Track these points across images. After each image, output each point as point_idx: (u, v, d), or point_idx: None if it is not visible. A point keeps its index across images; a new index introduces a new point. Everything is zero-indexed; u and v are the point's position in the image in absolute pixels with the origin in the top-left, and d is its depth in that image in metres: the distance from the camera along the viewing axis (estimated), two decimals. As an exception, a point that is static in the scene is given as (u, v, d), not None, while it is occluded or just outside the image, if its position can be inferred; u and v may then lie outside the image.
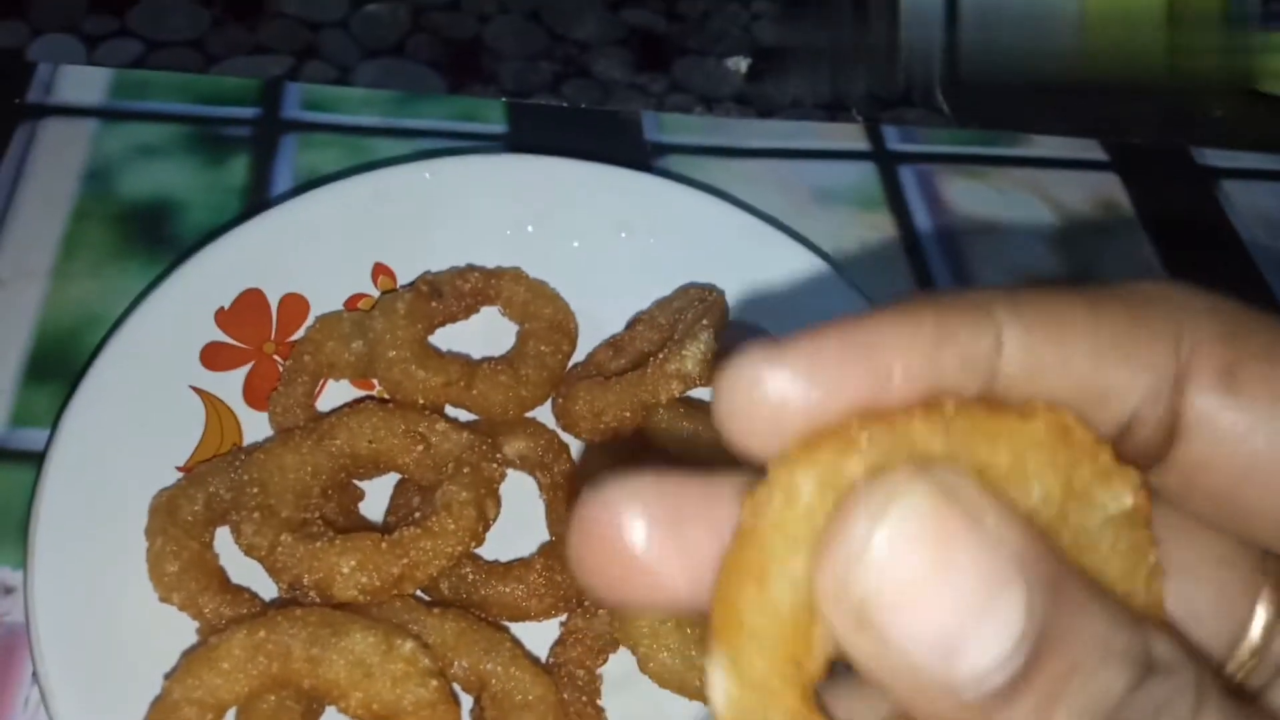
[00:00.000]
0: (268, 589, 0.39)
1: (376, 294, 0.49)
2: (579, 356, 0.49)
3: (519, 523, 0.43)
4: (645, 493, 0.18)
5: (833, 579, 0.15)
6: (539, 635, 0.41)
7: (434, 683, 0.33)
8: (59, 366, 0.47)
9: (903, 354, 0.17)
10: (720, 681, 0.16)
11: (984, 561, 0.15)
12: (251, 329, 0.46)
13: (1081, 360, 0.18)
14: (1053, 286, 0.19)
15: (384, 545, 0.38)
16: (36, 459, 0.42)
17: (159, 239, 0.53)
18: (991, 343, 0.17)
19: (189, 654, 0.35)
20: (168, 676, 0.35)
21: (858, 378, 0.17)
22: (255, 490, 0.39)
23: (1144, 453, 0.19)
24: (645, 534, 0.17)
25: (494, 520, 0.41)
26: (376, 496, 0.44)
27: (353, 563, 0.37)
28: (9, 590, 0.42)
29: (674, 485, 0.18)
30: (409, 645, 0.34)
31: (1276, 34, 0.69)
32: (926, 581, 0.15)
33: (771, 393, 0.17)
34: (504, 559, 0.43)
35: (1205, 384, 0.18)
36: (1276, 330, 0.19)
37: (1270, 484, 0.18)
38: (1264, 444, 0.18)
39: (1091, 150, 0.66)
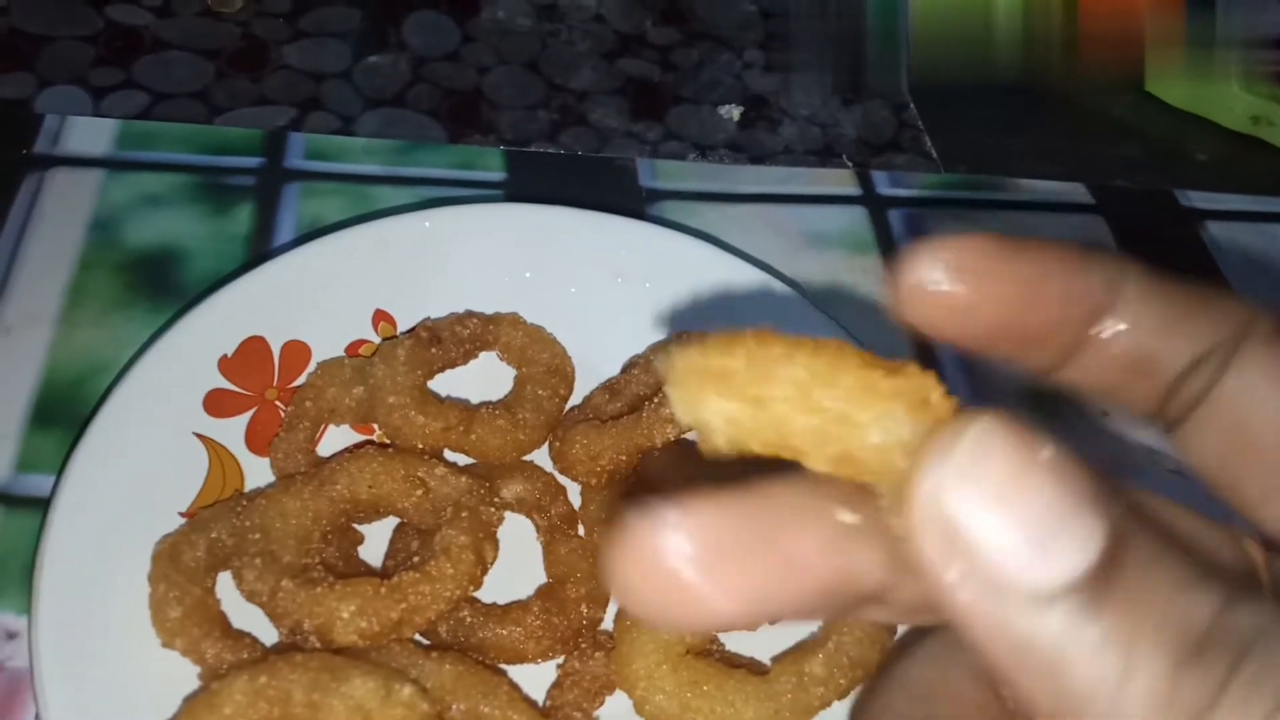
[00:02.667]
0: (269, 634, 0.40)
1: (377, 340, 0.50)
2: (576, 400, 0.50)
3: (516, 565, 0.44)
4: (691, 515, 0.18)
5: (922, 502, 0.16)
6: (536, 678, 0.41)
7: (432, 727, 0.34)
8: (64, 413, 0.48)
9: (1044, 277, 0.21)
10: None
11: (1061, 488, 0.16)
12: (254, 376, 0.47)
13: (1177, 302, 0.21)
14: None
15: (383, 590, 0.38)
16: (41, 505, 0.43)
17: (164, 287, 0.54)
18: (1116, 274, 0.21)
19: (190, 699, 0.35)
20: (169, 723, 0.35)
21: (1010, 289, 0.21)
22: (257, 536, 0.39)
23: (1186, 405, 0.21)
24: (692, 556, 0.17)
25: (492, 564, 0.41)
26: (376, 540, 0.45)
27: (352, 608, 0.37)
28: (12, 636, 0.43)
29: (720, 508, 0.18)
30: (408, 690, 0.34)
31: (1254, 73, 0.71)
32: (1009, 491, 0.15)
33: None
34: (501, 601, 0.43)
35: (1251, 368, 0.21)
36: None
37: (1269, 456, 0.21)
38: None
39: (1077, 193, 0.68)
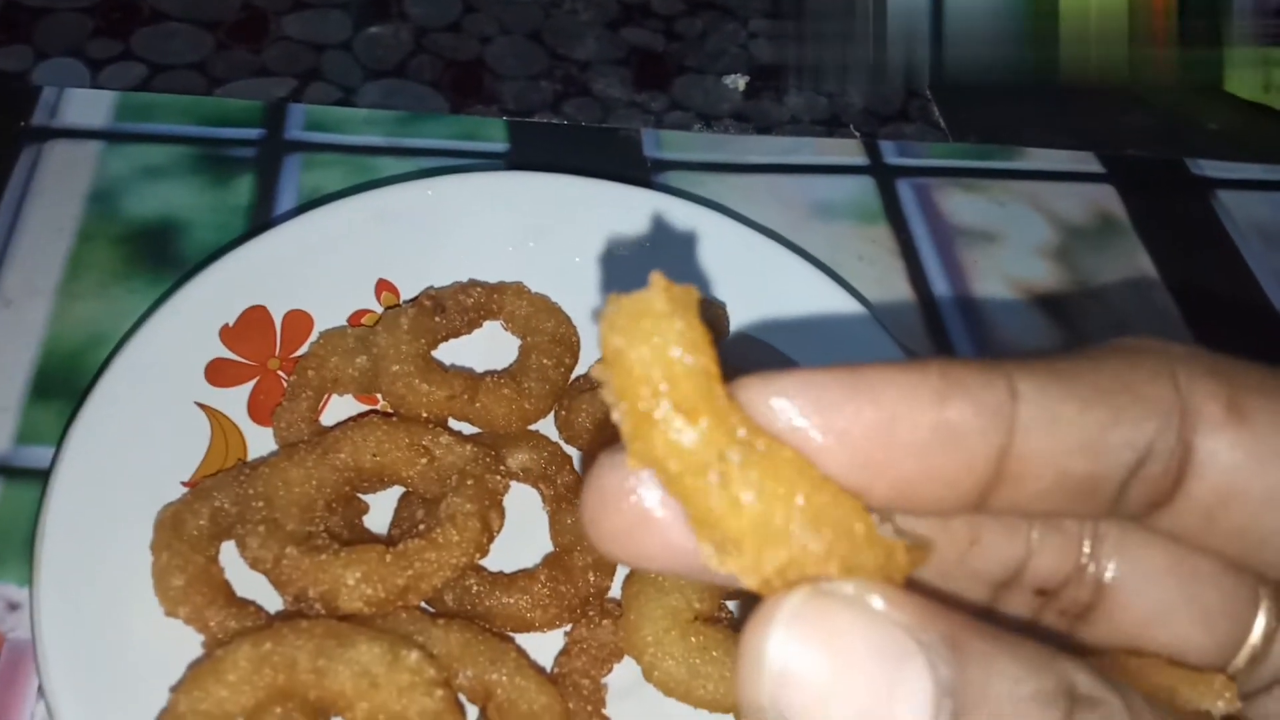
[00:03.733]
0: (273, 603, 0.39)
1: (380, 310, 0.49)
2: (581, 369, 0.49)
3: (522, 535, 0.44)
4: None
5: (751, 702, 0.15)
6: (543, 646, 0.41)
7: (440, 692, 0.33)
8: (64, 385, 0.48)
9: (908, 402, 0.17)
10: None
11: (878, 642, 0.15)
12: (256, 345, 0.46)
13: (1092, 406, 0.18)
14: (1047, 353, 0.19)
15: (389, 557, 0.38)
16: (42, 476, 0.42)
17: (164, 259, 0.53)
18: (1004, 394, 0.18)
19: (194, 667, 0.35)
20: (174, 689, 0.35)
21: (864, 420, 0.17)
22: (260, 504, 0.39)
23: (1156, 493, 0.19)
24: (659, 496, 0.18)
25: (498, 532, 0.41)
26: (380, 510, 0.44)
27: (358, 575, 0.37)
28: (14, 607, 0.43)
29: None
30: (414, 655, 0.34)
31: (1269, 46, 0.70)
32: (833, 678, 0.15)
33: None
34: (508, 571, 0.43)
35: (1211, 420, 0.19)
36: (1261, 367, 0.20)
37: None
38: (1277, 474, 0.19)
39: (1088, 162, 0.67)
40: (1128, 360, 0.19)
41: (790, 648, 0.15)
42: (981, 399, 0.18)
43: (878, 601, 0.16)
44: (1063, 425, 0.18)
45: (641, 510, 0.18)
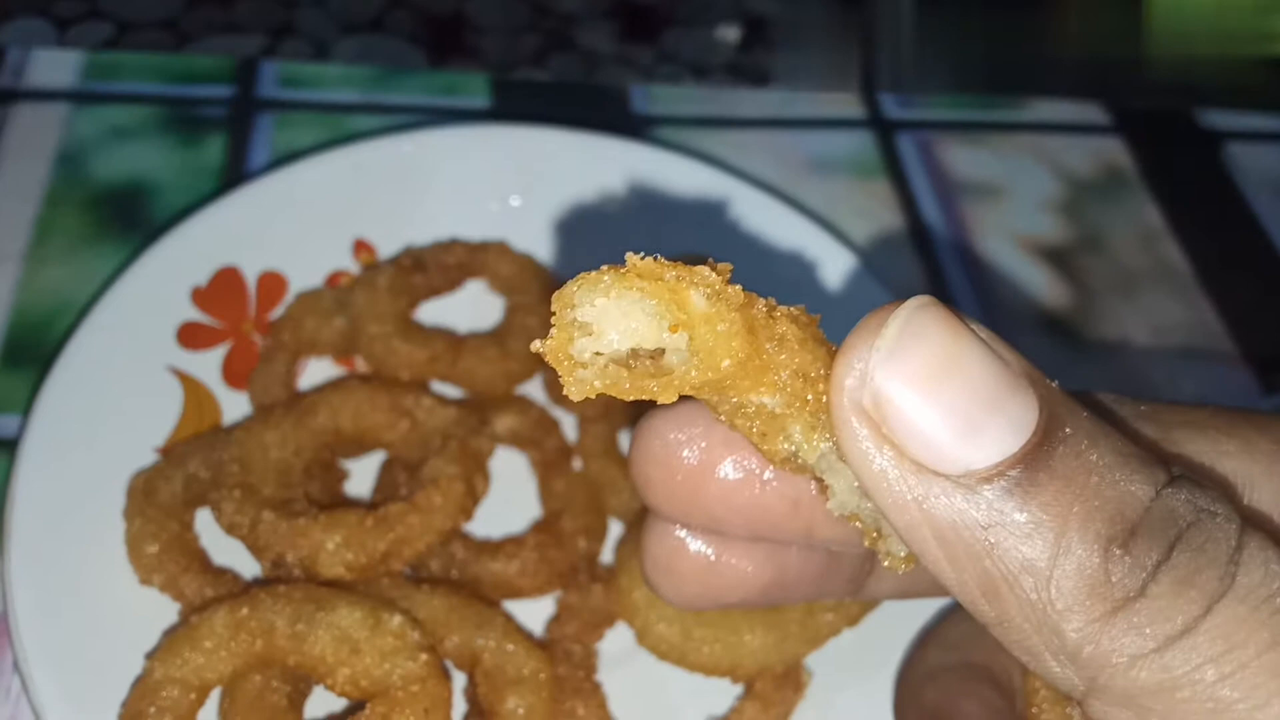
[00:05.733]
0: (250, 571, 0.38)
1: (357, 271, 0.47)
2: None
3: (509, 501, 0.42)
4: (700, 414, 0.19)
5: (849, 385, 0.16)
6: (533, 613, 0.39)
7: (424, 656, 0.32)
8: (33, 352, 0.46)
9: None
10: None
11: (994, 364, 0.15)
12: (229, 308, 0.45)
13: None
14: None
15: (369, 521, 0.36)
16: (10, 446, 0.41)
17: (134, 222, 0.51)
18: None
19: (170, 633, 0.34)
20: (149, 657, 0.33)
21: None
22: (235, 468, 0.37)
23: None
24: (700, 450, 0.19)
25: (483, 495, 0.39)
26: (362, 477, 0.43)
27: (338, 539, 0.35)
28: (-16, 580, 0.41)
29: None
30: (397, 619, 0.33)
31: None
32: (939, 371, 0.15)
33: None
34: (495, 538, 0.41)
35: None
36: None
37: None
38: None
39: (1094, 114, 0.65)
40: (1259, 421, 0.19)
41: (910, 338, 0.15)
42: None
43: (986, 332, 0.16)
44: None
45: (686, 464, 0.19)
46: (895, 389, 0.15)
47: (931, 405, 0.15)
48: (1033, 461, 0.15)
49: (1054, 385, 0.16)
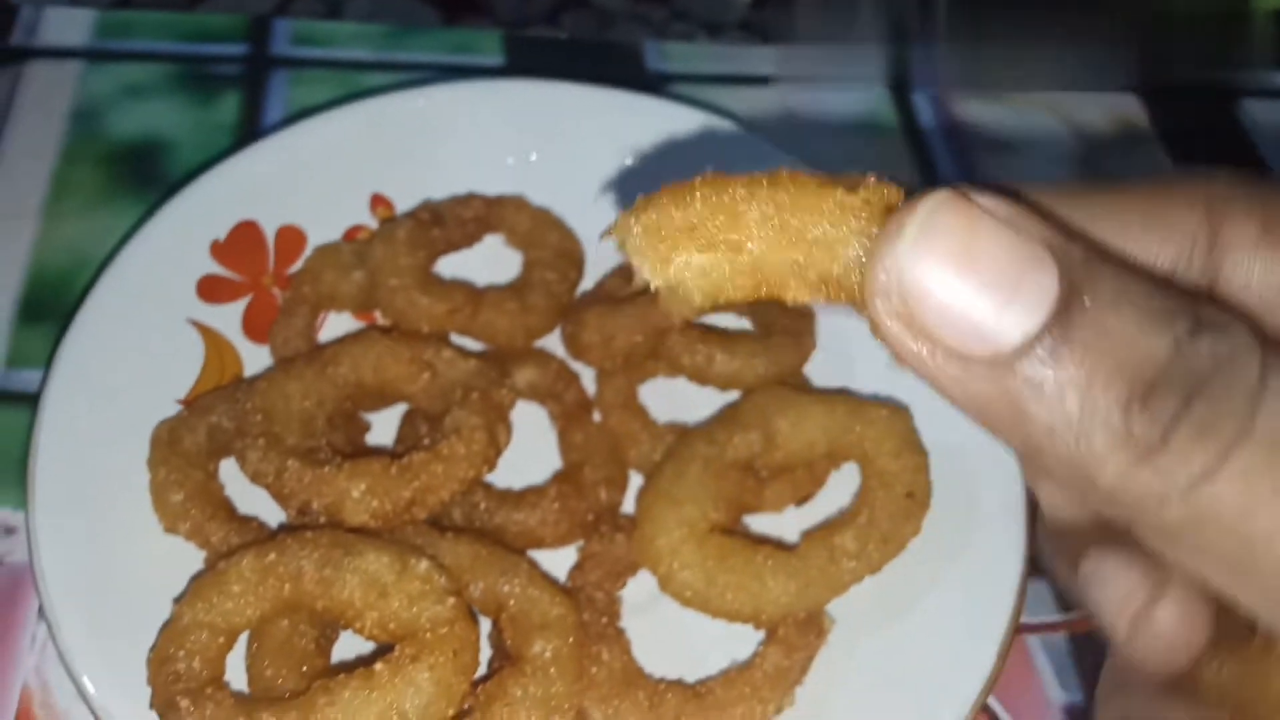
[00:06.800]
0: (275, 522, 0.38)
1: (375, 226, 0.47)
2: (587, 286, 0.47)
3: (528, 454, 0.42)
4: None
5: (883, 274, 0.17)
6: (555, 564, 0.40)
7: (451, 600, 0.32)
8: (52, 307, 0.46)
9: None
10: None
11: (1012, 241, 0.16)
12: (248, 261, 0.45)
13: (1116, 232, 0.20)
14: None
15: (394, 470, 0.36)
16: (31, 401, 0.41)
17: (149, 179, 0.51)
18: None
19: (197, 579, 0.34)
20: (177, 601, 0.34)
21: None
22: (259, 417, 0.37)
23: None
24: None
25: (505, 445, 0.39)
26: (382, 431, 0.43)
27: (363, 486, 0.35)
28: (9, 530, 0.41)
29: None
30: (424, 564, 0.33)
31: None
32: (964, 251, 0.16)
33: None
34: (516, 489, 0.41)
35: (1242, 243, 0.20)
36: None
37: None
38: None
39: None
40: (1160, 189, 0.20)
41: (926, 234, 0.16)
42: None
43: (1014, 212, 0.17)
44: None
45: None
46: (920, 282, 0.16)
47: (957, 293, 0.16)
48: (1059, 329, 0.16)
49: (1076, 248, 0.17)
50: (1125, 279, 0.16)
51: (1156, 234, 0.20)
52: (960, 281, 0.16)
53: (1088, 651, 0.43)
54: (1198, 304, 0.16)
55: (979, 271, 0.16)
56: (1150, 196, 0.20)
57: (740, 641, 0.38)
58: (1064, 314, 0.16)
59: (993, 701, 0.40)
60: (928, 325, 0.16)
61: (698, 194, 0.19)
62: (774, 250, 0.19)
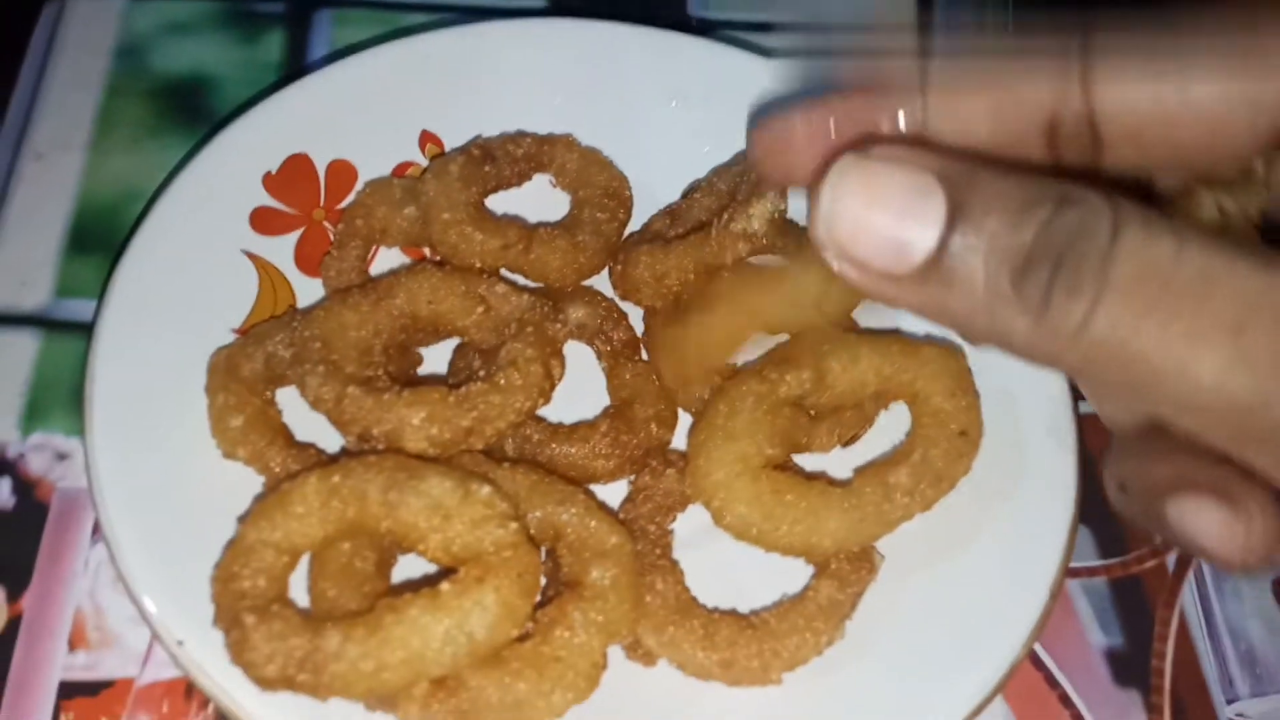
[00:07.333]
0: (331, 450, 0.38)
1: (424, 163, 0.47)
2: (634, 227, 0.47)
3: (577, 394, 0.42)
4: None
5: (819, 229, 0.21)
6: (606, 498, 0.40)
7: (513, 525, 0.32)
8: (101, 239, 0.46)
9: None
10: None
11: (903, 174, 0.20)
12: (300, 194, 0.45)
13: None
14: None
15: (452, 399, 0.37)
16: (83, 329, 0.41)
17: (196, 114, 0.51)
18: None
19: (260, 499, 0.34)
20: (240, 520, 0.34)
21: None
22: (318, 345, 0.37)
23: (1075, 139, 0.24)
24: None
25: (559, 379, 0.40)
26: (433, 365, 0.43)
27: (422, 414, 0.36)
28: (63, 456, 0.42)
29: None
30: (486, 489, 0.33)
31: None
32: (869, 193, 0.21)
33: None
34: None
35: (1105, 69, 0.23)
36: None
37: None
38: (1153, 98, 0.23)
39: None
40: (1249, 21, 0.22)
41: (838, 191, 0.21)
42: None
43: (907, 153, 0.21)
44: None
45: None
46: (844, 225, 0.21)
47: (872, 224, 0.21)
48: (953, 238, 0.20)
49: (955, 167, 0.21)
50: (998, 183, 0.20)
51: (1253, 75, 0.21)
52: (872, 215, 0.20)
53: (1128, 596, 0.44)
54: (1065, 188, 0.20)
55: (883, 204, 0.20)
56: (1241, 31, 0.22)
57: (789, 576, 0.38)
58: (954, 222, 0.20)
59: (1035, 645, 0.41)
60: (859, 257, 0.21)
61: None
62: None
